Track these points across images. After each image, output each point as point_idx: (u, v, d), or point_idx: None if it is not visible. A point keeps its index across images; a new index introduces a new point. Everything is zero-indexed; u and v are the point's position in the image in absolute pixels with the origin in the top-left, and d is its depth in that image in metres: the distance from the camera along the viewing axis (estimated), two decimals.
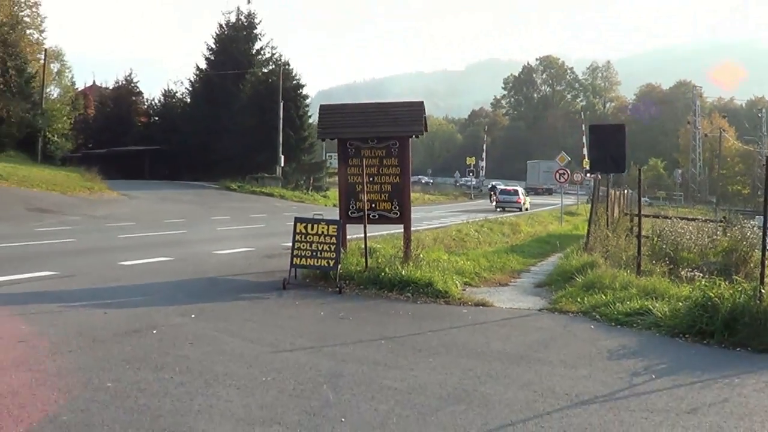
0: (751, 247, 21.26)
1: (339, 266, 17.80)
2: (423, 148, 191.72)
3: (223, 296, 16.18)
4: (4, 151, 71.65)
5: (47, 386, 8.78)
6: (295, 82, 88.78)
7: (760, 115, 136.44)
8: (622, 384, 10.03)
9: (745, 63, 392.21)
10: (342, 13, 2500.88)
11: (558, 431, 7.99)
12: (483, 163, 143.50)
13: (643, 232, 21.01)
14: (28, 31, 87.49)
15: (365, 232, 18.83)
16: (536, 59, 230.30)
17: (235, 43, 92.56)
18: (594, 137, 25.65)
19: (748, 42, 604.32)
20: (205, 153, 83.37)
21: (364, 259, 18.66)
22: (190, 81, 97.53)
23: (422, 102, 20.69)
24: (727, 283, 13.89)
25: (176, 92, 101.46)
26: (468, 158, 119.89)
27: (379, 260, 18.99)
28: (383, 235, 25.08)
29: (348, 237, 20.38)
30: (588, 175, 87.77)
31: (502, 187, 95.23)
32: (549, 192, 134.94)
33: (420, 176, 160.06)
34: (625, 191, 48.41)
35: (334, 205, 63.69)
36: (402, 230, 20.84)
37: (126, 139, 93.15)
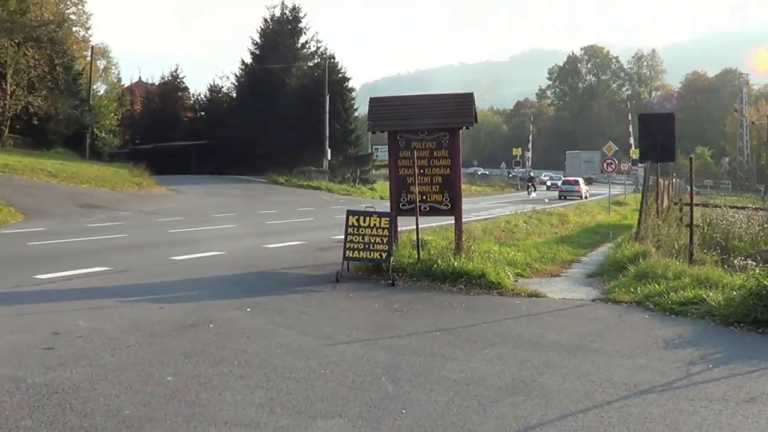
0: None
1: (391, 258, 17.78)
2: (469, 139, 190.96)
3: (276, 290, 16.21)
4: (53, 148, 72.35)
5: (108, 381, 8.84)
6: (340, 75, 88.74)
7: None
8: (680, 373, 9.96)
9: None
10: (386, 4, 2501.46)
11: (618, 421, 7.94)
12: (529, 154, 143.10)
13: (694, 221, 20.88)
14: (74, 29, 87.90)
15: (417, 224, 18.84)
16: (581, 49, 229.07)
17: (281, 37, 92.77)
18: (643, 126, 25.45)
19: None
20: (251, 147, 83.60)
21: (415, 251, 18.67)
22: (236, 76, 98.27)
23: (472, 93, 20.65)
24: None
25: (222, 87, 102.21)
26: (514, 149, 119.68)
27: (431, 252, 18.98)
28: (432, 227, 25.00)
29: (398, 229, 20.36)
30: (636, 164, 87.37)
31: (547, 177, 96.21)
32: (590, 181, 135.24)
33: (476, 168, 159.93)
34: (673, 180, 48.13)
35: (381, 198, 64.06)
36: (453, 222, 20.84)
37: (172, 135, 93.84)
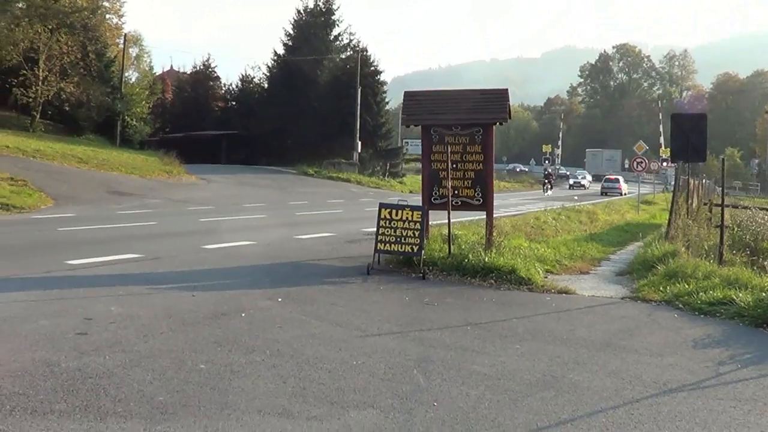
0: None
1: (423, 252, 17.73)
2: (499, 135, 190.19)
3: (308, 280, 16.23)
4: (84, 135, 72.70)
5: (141, 367, 8.89)
6: (372, 68, 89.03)
7: None
8: (709, 373, 9.93)
9: None
10: None
11: (648, 418, 7.93)
12: (559, 151, 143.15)
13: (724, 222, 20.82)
14: (107, 16, 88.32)
15: (449, 219, 18.80)
16: (613, 47, 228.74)
17: (313, 29, 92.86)
18: (675, 126, 25.40)
19: None
20: (281, 138, 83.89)
21: (446, 246, 18.62)
22: (268, 66, 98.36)
23: (506, 89, 20.66)
24: None
25: (254, 77, 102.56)
26: (544, 146, 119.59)
27: (462, 247, 18.95)
28: (462, 221, 25.04)
29: (429, 223, 20.34)
30: (665, 164, 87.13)
31: (581, 174, 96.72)
32: None
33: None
34: (703, 180, 47.97)
35: (411, 192, 64.23)
36: (483, 217, 20.81)
37: (203, 124, 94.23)
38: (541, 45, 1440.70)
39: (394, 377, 9.02)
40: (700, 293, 14.79)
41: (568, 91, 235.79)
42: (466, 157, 19.74)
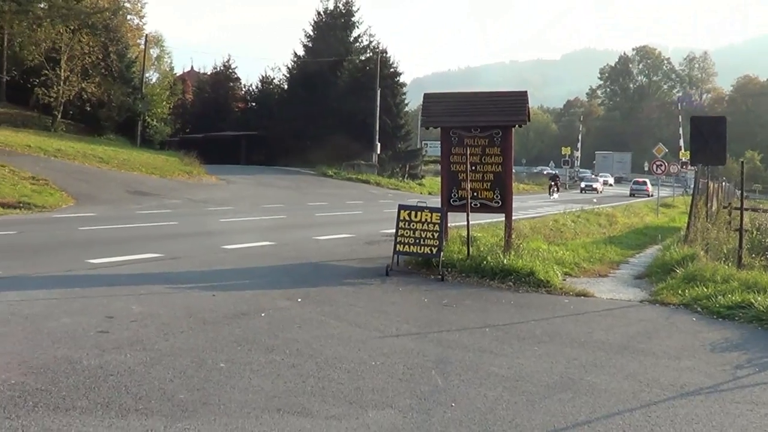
0: None
1: (442, 254, 17.74)
2: (518, 137, 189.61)
3: (327, 281, 16.30)
4: (104, 135, 73.02)
5: (162, 365, 8.98)
6: (392, 69, 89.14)
7: None
8: (726, 376, 9.95)
9: None
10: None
11: (664, 421, 7.96)
12: (578, 154, 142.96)
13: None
14: (128, 17, 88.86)
15: (468, 221, 18.79)
16: (632, 49, 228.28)
17: (333, 30, 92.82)
18: (695, 129, 25.40)
19: None
20: (301, 139, 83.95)
21: (465, 247, 18.63)
22: (288, 67, 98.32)
23: (526, 92, 20.71)
24: None
25: (273, 78, 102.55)
26: (563, 148, 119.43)
27: (480, 249, 18.97)
28: (481, 223, 25.06)
29: (448, 225, 20.36)
30: (685, 167, 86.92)
31: (604, 176, 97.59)
32: (619, 180, 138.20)
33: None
34: (722, 183, 47.89)
35: (430, 193, 64.28)
36: (502, 219, 20.87)
37: (223, 125, 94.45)
38: (561, 47, 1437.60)
39: (412, 378, 9.07)
40: (719, 297, 14.77)
41: (587, 93, 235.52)
42: (485, 159, 19.77)
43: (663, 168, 59.53)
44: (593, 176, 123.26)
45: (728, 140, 24.99)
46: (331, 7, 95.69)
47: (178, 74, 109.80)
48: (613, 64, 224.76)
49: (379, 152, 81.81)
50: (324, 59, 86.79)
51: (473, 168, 19.48)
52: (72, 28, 69.12)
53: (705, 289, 15.52)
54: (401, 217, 17.98)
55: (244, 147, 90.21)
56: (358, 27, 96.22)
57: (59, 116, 69.91)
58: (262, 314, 12.26)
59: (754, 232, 24.09)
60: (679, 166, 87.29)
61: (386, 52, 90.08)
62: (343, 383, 8.67)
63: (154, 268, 17.00)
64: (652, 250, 26.69)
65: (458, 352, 10.41)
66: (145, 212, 33.33)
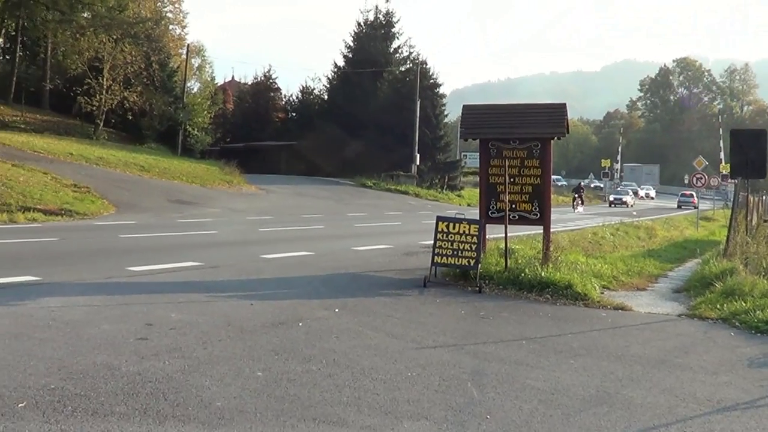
0: None
1: (479, 266, 17.70)
2: (557, 149, 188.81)
3: (364, 292, 16.30)
4: (146, 143, 73.49)
5: (200, 373, 9.04)
6: (432, 80, 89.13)
7: None
8: (764, 392, 9.85)
9: None
10: (477, 11, 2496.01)
11: None
12: (618, 166, 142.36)
13: None
14: (171, 27, 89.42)
15: (506, 233, 18.74)
16: (673, 61, 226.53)
17: (373, 41, 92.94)
18: (735, 142, 25.31)
19: None
20: (340, 149, 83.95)
21: (503, 260, 18.58)
22: (328, 78, 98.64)
23: (565, 104, 20.61)
24: None
25: (314, 89, 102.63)
26: (603, 160, 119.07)
27: (518, 261, 18.94)
28: (519, 236, 25.01)
29: (486, 237, 20.33)
30: (725, 180, 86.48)
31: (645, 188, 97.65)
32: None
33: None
34: (763, 197, 47.59)
35: (469, 205, 64.18)
36: (540, 231, 20.81)
37: (263, 135, 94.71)
38: (601, 58, 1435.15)
39: (448, 389, 9.07)
40: (758, 311, 14.61)
41: (627, 105, 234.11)
42: (523, 171, 19.69)
43: (703, 181, 59.18)
44: (622, 188, 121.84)
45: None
46: (371, 18, 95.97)
47: (219, 84, 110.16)
48: (653, 76, 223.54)
49: (418, 163, 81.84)
50: (364, 70, 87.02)
51: (512, 180, 19.42)
52: (115, 37, 69.93)
53: (744, 304, 15.39)
54: (439, 229, 17.95)
55: (284, 157, 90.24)
56: (398, 38, 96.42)
57: (101, 125, 70.66)
58: (300, 324, 12.28)
59: None
60: (719, 179, 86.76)
61: (426, 63, 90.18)
62: (379, 394, 8.69)
63: (194, 276, 17.13)
64: (691, 263, 26.56)
65: (494, 365, 10.41)
66: (185, 221, 33.52)
